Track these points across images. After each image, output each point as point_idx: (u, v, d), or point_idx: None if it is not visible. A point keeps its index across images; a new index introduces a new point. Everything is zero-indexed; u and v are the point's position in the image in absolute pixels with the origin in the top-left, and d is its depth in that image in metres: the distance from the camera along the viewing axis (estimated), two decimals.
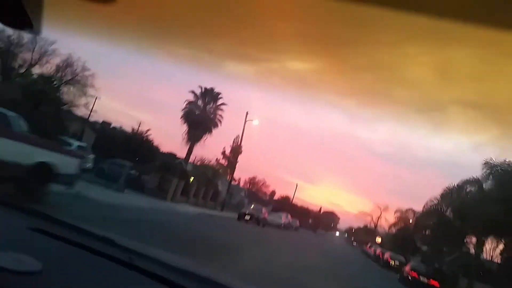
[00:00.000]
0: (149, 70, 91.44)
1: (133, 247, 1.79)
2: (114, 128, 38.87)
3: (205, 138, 41.47)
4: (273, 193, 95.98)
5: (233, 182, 77.90)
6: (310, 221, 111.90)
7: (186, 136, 41.00)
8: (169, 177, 23.93)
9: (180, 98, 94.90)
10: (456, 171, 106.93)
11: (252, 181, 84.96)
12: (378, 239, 66.99)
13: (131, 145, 24.87)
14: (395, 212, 53.55)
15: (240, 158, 52.78)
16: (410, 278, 23.93)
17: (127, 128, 37.43)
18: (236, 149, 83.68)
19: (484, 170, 26.23)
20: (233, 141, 77.81)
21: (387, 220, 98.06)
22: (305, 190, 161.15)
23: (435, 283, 23.31)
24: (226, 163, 79.64)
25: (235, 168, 75.73)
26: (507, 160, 25.03)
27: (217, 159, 69.42)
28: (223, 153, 77.70)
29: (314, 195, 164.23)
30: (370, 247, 50.41)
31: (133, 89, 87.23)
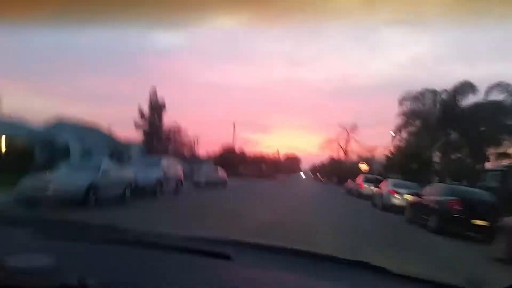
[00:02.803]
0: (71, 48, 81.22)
1: (136, 229, 1.86)
2: None
3: None
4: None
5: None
6: (262, 167, 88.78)
7: None
8: None
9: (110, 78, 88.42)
10: (400, 89, 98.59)
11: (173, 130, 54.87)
12: (364, 166, 42.45)
13: None
14: (399, 116, 28.02)
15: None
16: None
17: None
18: (157, 106, 56.62)
19: None
20: (149, 95, 49.43)
21: (359, 142, 75.53)
22: (262, 141, 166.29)
23: None
24: (146, 125, 52.92)
25: (160, 129, 50.36)
26: None
27: (135, 122, 44.03)
28: (140, 111, 49.12)
29: (272, 144, 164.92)
30: (367, 181, 24.92)
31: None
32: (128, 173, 13.59)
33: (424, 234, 11.48)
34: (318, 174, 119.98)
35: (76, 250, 1.47)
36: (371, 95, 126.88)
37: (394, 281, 1.46)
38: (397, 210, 15.95)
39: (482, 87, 26.16)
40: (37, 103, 73.68)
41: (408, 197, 15.68)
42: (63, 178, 10.47)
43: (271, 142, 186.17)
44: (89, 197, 10.57)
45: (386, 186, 18.03)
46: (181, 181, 18.50)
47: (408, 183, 18.45)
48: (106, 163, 12.43)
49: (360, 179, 26.67)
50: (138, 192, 14.35)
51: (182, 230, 3.69)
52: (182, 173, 18.76)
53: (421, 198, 12.98)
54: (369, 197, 23.39)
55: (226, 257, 1.39)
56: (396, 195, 16.54)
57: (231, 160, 77.28)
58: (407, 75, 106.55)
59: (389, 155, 44.16)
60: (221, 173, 27.70)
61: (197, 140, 66.47)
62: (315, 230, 10.28)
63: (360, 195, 25.22)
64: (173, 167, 17.74)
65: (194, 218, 10.87)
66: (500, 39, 76.97)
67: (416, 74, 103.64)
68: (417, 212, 12.95)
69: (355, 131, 77.58)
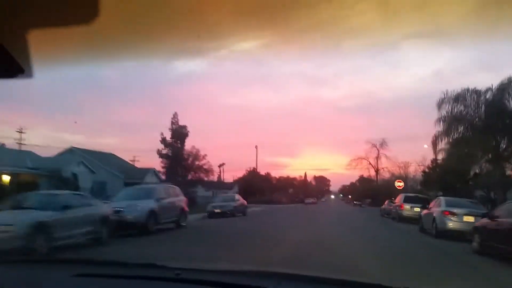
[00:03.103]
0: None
1: (174, 265, 1.77)
2: None
3: None
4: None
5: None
6: (289, 192, 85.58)
7: None
8: None
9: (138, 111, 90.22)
10: (422, 102, 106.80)
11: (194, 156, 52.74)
12: (401, 184, 38.57)
13: None
14: (438, 122, 24.33)
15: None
16: None
17: None
18: (179, 132, 51.61)
19: None
20: (171, 122, 49.31)
21: (390, 158, 71.55)
22: (289, 164, 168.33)
23: None
24: (168, 152, 50.07)
25: (183, 154, 49.50)
26: None
27: (158, 150, 42.74)
28: (163, 140, 48.03)
29: (299, 166, 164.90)
30: (408, 201, 21.43)
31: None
32: (104, 207, 10.74)
33: (508, 270, 8.05)
34: (349, 196, 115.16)
35: None
36: (395, 110, 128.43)
37: None
38: (455, 236, 12.39)
39: None
40: (62, 137, 76.08)
41: (470, 218, 12.11)
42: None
43: (298, 165, 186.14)
44: (35, 242, 7.73)
45: (438, 206, 14.35)
46: (185, 213, 15.52)
47: (464, 200, 14.76)
48: (67, 197, 9.64)
49: (399, 199, 22.95)
50: (125, 229, 11.51)
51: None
52: (184, 203, 15.74)
53: (495, 220, 9.48)
54: (411, 220, 19.89)
55: None
56: (452, 217, 12.93)
57: (256, 184, 74.34)
58: (431, 89, 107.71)
59: (426, 170, 40.16)
60: (239, 200, 24.61)
61: (223, 165, 64.53)
62: (359, 266, 7.25)
63: (401, 218, 21.53)
64: (174, 196, 14.85)
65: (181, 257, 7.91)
66: None
67: (439, 87, 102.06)
68: (489, 240, 9.43)
69: (385, 147, 73.41)
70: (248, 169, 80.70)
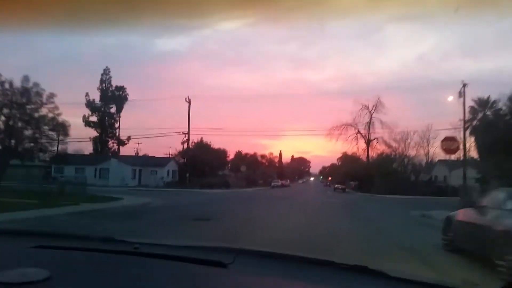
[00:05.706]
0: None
1: (133, 240, 1.79)
2: None
3: None
4: None
5: None
6: (242, 168, 63.81)
7: None
8: None
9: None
10: (405, 86, 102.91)
11: None
12: (450, 144, 16.55)
13: None
14: None
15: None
16: None
17: None
18: (114, 93, 47.38)
19: None
20: (101, 80, 44.69)
21: (387, 125, 49.81)
22: (271, 146, 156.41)
23: None
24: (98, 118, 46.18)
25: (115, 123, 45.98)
26: None
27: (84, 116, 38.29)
28: (88, 102, 43.88)
29: (282, 148, 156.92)
30: None
31: None
32: None
33: None
34: (329, 177, 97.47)
35: (73, 261, 1.46)
36: (374, 94, 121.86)
37: (393, 284, 1.39)
38: None
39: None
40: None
41: None
42: None
43: (280, 146, 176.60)
44: None
45: None
46: None
47: None
48: None
49: None
50: None
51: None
52: None
53: None
54: None
55: (221, 265, 1.38)
56: None
57: (202, 161, 52.57)
58: (414, 72, 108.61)
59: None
60: None
61: (187, 139, 44.12)
62: None
63: None
64: None
65: None
66: (505, 31, 75.69)
67: (422, 71, 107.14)
68: None
69: (380, 109, 52.06)
70: (194, 142, 58.01)
